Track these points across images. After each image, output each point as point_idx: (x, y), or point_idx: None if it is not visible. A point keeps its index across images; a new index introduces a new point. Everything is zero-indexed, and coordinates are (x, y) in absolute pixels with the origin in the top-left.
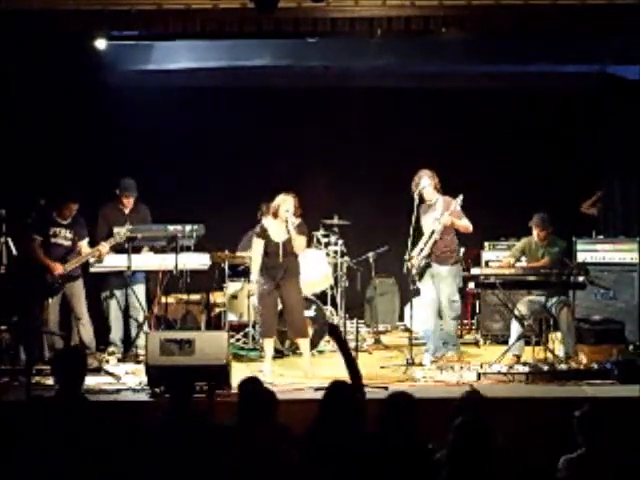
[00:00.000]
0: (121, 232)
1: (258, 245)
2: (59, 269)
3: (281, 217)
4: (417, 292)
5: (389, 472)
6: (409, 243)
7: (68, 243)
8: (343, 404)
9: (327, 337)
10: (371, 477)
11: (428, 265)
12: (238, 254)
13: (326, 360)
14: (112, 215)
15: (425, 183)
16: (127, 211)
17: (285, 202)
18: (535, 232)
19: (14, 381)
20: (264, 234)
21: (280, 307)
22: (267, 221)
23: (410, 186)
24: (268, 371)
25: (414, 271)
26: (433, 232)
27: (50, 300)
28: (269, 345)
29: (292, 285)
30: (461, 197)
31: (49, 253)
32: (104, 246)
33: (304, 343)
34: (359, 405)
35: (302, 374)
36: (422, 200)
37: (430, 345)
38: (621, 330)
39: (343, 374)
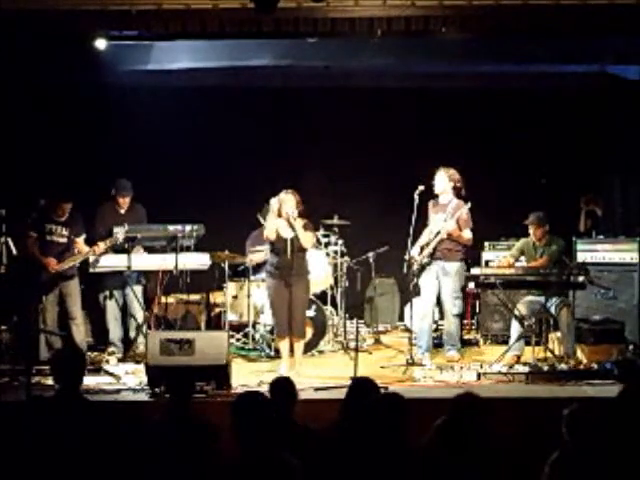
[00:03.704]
0: (120, 234)
1: (271, 218)
2: (53, 265)
3: (284, 216)
4: (417, 292)
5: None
6: (409, 243)
7: (64, 240)
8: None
9: (327, 337)
10: None
11: (430, 263)
12: (247, 251)
13: (326, 360)
14: (108, 215)
15: (434, 182)
16: (123, 211)
17: (285, 202)
18: (532, 230)
19: (14, 381)
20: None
21: None
22: (273, 220)
23: (411, 185)
24: (284, 370)
25: (415, 266)
26: (439, 232)
27: (45, 299)
28: (284, 346)
29: (300, 285)
30: (469, 205)
31: (45, 250)
32: (99, 246)
33: (299, 344)
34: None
35: (294, 374)
36: (434, 196)
37: (423, 342)
38: (621, 330)
39: (342, 374)
